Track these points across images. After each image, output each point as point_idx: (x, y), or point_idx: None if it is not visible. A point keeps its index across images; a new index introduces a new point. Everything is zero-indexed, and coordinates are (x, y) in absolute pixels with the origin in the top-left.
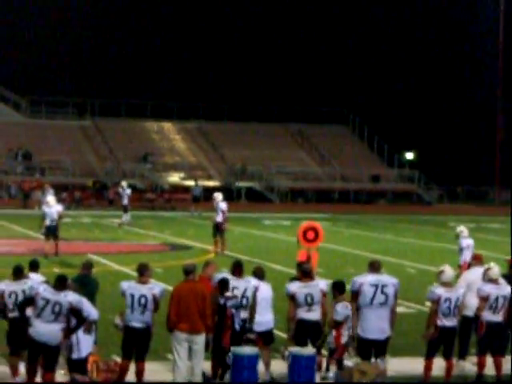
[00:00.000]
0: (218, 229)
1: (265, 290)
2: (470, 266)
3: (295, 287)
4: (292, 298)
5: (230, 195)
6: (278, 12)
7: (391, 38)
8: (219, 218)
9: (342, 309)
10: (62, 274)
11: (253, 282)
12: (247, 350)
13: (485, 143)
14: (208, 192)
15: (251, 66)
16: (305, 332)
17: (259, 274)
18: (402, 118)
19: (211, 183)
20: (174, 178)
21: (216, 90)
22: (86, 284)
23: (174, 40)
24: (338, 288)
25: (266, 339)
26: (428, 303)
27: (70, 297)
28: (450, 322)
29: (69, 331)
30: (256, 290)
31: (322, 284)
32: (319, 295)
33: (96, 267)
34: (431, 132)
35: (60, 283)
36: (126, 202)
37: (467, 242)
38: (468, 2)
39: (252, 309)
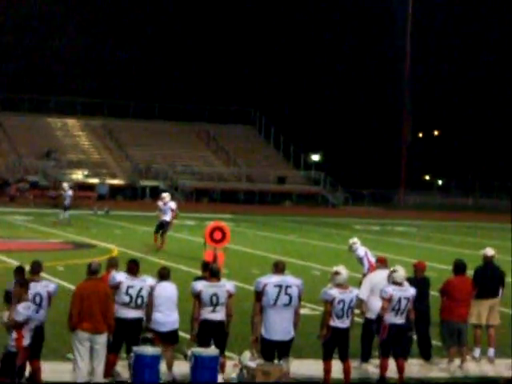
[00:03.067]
0: (164, 226)
1: (170, 290)
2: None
3: (201, 286)
4: (197, 296)
5: (135, 194)
6: (188, 10)
7: (299, 41)
8: (168, 217)
9: (24, 309)
10: None
11: (148, 281)
12: (149, 349)
13: (390, 146)
14: (112, 191)
15: (158, 63)
16: (208, 332)
17: (163, 273)
18: (309, 120)
19: (116, 181)
20: (78, 175)
21: (121, 86)
22: None
23: (80, 35)
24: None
25: (170, 339)
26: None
27: None
28: (343, 324)
29: None
30: (152, 289)
31: (228, 285)
32: (225, 296)
33: None
34: (337, 134)
35: None
36: (68, 202)
37: (363, 249)
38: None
39: (149, 308)
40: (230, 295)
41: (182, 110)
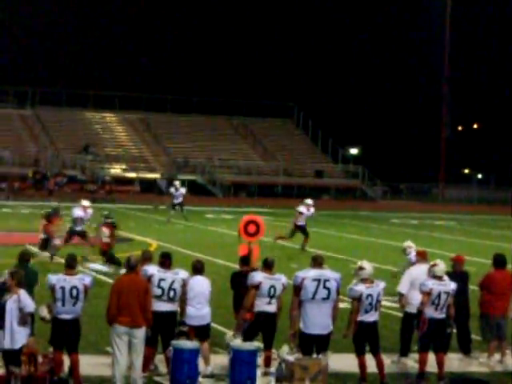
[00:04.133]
0: (302, 230)
1: (202, 284)
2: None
3: (261, 277)
4: (256, 287)
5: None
6: (225, 4)
7: (337, 34)
8: (302, 222)
9: None
10: None
11: (181, 274)
12: (188, 343)
13: (429, 140)
14: (150, 185)
15: (196, 57)
16: (261, 324)
17: (197, 267)
18: (347, 114)
19: (153, 175)
20: (116, 169)
21: (159, 81)
22: (24, 275)
23: (117, 29)
24: None
25: (202, 334)
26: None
27: None
28: (370, 317)
29: None
30: (184, 282)
31: (283, 279)
32: (281, 289)
33: (35, 258)
34: (376, 128)
35: None
36: (179, 200)
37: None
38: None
39: (182, 301)
40: (284, 288)
41: (220, 103)
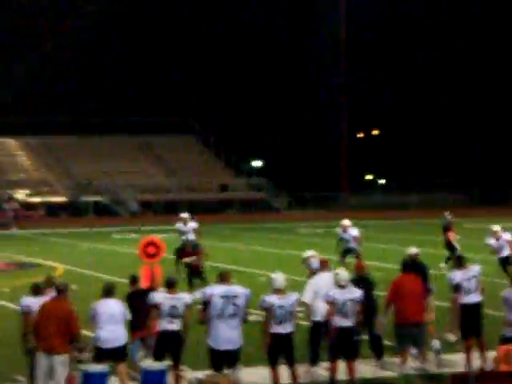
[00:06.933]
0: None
1: (113, 306)
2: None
3: (161, 297)
4: (157, 307)
5: (78, 210)
6: (116, 21)
7: (238, 47)
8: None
9: None
10: None
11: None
12: (97, 367)
13: (331, 149)
14: (54, 208)
15: (92, 77)
16: (166, 343)
17: (107, 290)
18: (248, 127)
19: (58, 199)
20: (20, 194)
21: (56, 102)
22: None
23: (7, 52)
24: None
25: (117, 356)
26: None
27: None
28: (284, 329)
29: None
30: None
31: (187, 297)
32: (183, 308)
33: None
34: (277, 140)
35: None
36: (190, 237)
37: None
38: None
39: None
40: (187, 306)
41: (120, 122)
